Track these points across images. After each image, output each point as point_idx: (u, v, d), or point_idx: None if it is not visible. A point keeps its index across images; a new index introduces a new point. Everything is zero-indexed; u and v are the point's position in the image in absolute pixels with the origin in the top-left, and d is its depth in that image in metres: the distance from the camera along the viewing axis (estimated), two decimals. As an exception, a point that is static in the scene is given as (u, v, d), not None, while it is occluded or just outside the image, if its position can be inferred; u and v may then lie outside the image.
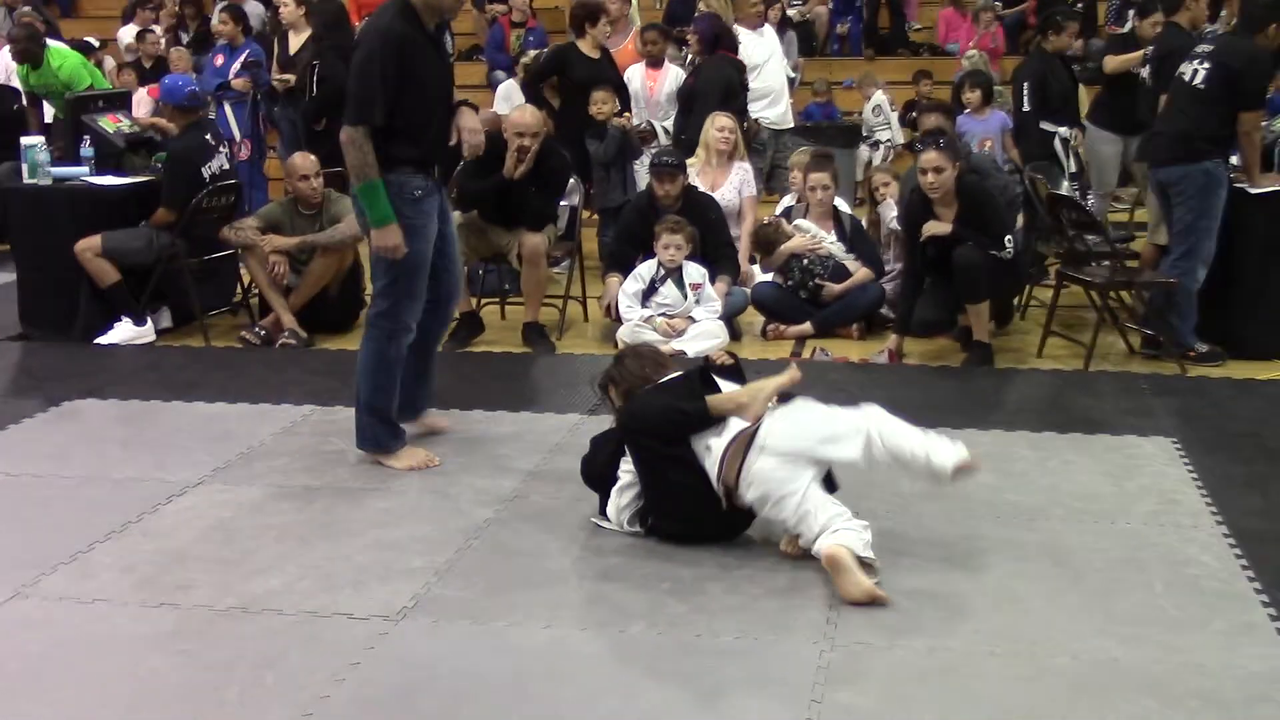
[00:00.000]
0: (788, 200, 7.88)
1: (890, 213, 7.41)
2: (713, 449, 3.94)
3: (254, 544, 4.13)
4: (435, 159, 4.78)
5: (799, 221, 7.37)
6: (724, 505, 3.96)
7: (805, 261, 7.20)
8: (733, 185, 7.85)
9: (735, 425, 3.95)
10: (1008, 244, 6.41)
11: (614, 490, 4.16)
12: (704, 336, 6.64)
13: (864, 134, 11.81)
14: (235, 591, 3.77)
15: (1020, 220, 7.47)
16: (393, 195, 4.63)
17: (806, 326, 7.12)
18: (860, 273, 7.18)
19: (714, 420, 3.96)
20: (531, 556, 4.02)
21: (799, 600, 3.68)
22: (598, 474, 4.26)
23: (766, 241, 7.33)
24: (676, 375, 4.22)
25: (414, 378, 5.08)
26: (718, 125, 7.89)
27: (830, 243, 7.26)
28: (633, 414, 4.11)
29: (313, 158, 7.21)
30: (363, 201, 4.62)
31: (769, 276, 7.34)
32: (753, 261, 7.65)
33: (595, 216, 8.72)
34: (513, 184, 6.86)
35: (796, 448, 3.88)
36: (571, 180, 7.68)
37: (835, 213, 7.40)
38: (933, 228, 6.42)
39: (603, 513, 4.22)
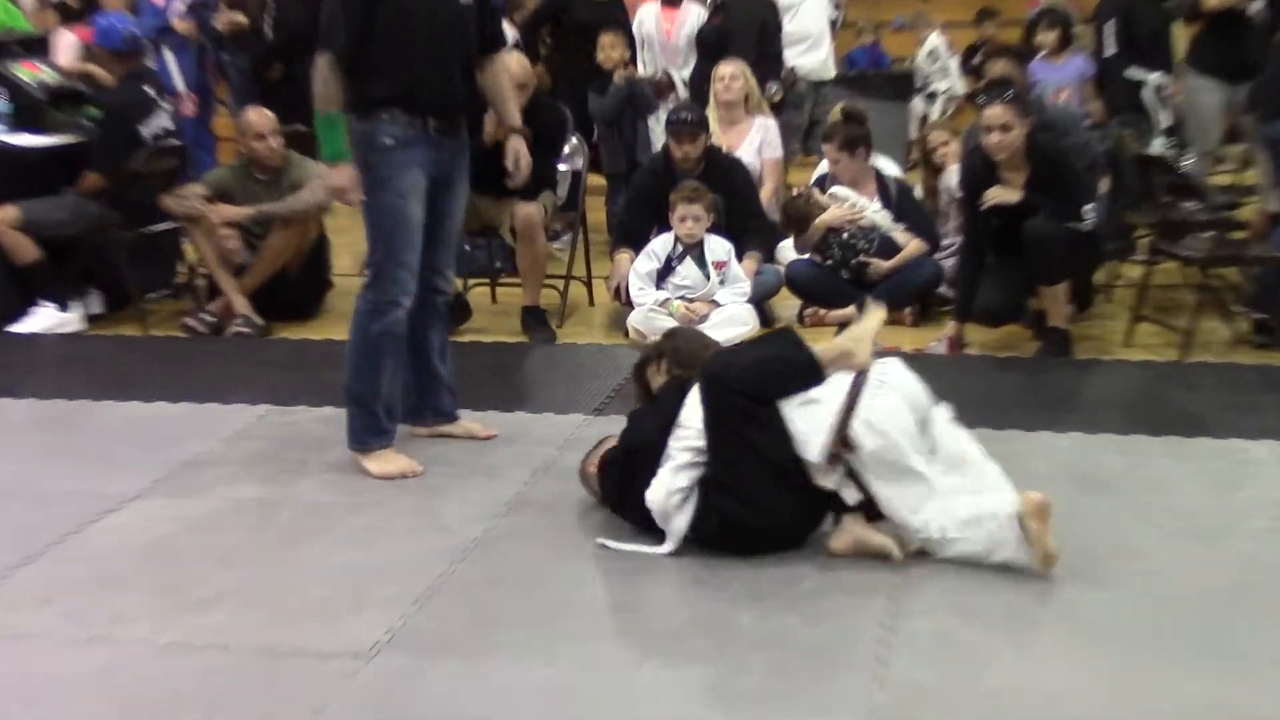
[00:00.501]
0: (825, 166, 7.86)
1: (952, 179, 7.38)
2: (821, 400, 3.99)
3: (201, 569, 4.12)
4: (429, 105, 4.77)
5: (835, 189, 7.32)
6: (808, 480, 4.01)
7: (845, 235, 7.17)
8: (751, 145, 7.82)
9: (843, 376, 4.05)
10: (1087, 214, 6.38)
11: (667, 469, 4.10)
12: (730, 323, 6.61)
13: (918, 84, 11.79)
14: (179, 625, 3.76)
15: (1103, 185, 7.44)
16: (361, 141, 4.72)
17: (851, 310, 7.09)
18: (911, 244, 7.15)
19: (820, 375, 4.04)
20: (528, 583, 4.00)
21: (844, 632, 3.66)
22: (644, 444, 4.19)
23: (798, 216, 7.28)
24: (766, 332, 4.27)
25: (420, 377, 5.15)
26: (718, 75, 7.87)
27: (873, 211, 7.22)
28: (726, 365, 4.10)
29: (269, 114, 7.22)
30: (319, 135, 4.74)
31: (805, 256, 7.32)
32: (782, 235, 7.63)
33: (603, 183, 8.72)
34: (498, 146, 6.83)
35: (915, 390, 4.09)
36: (574, 140, 7.66)
37: (877, 176, 7.37)
38: (998, 194, 6.40)
39: (619, 505, 4.21)
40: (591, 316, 7.41)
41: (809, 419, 3.99)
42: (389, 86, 4.69)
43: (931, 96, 11.74)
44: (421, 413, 5.22)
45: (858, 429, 3.96)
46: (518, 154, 5.14)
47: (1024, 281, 6.59)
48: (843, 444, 3.97)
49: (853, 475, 4.04)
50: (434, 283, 5.04)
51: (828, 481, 4.03)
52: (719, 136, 7.73)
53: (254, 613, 3.82)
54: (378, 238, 4.79)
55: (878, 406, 3.99)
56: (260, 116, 7.19)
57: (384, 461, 4.88)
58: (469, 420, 5.29)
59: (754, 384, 4.02)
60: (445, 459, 5.02)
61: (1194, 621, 3.72)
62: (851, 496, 4.05)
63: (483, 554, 4.22)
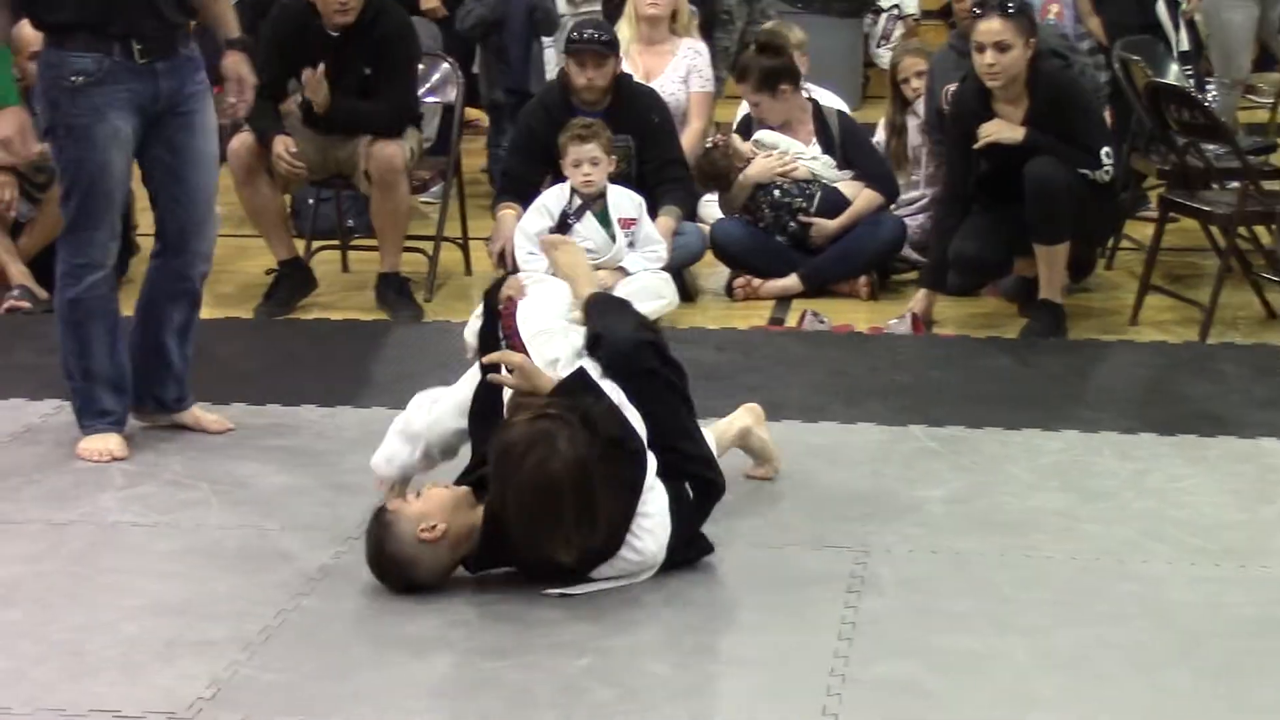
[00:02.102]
0: (748, 106, 7.89)
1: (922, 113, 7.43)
2: None
3: (-30, 608, 4.10)
4: (126, 24, 4.83)
5: (759, 135, 7.34)
6: None
7: (777, 193, 7.21)
8: (675, 74, 7.84)
9: None
10: (1105, 159, 6.43)
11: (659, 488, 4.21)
12: (642, 295, 6.58)
13: (877, -5, 11.79)
14: (-58, 680, 3.74)
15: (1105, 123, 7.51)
16: (45, 76, 4.87)
17: (791, 281, 7.15)
18: (862, 196, 7.20)
19: None
20: (389, 621, 4.01)
21: (783, 680, 3.70)
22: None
23: (716, 173, 7.28)
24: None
25: (143, 356, 5.22)
26: None
27: (810, 159, 7.27)
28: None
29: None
30: None
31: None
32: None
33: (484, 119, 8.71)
34: (345, 75, 6.79)
35: None
36: (446, 66, 7.64)
37: (817, 111, 7.40)
38: (998, 130, 6.41)
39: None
40: (468, 288, 7.39)
41: None
42: (69, 5, 4.80)
43: (878, 12, 11.65)
44: (141, 399, 5.28)
45: None
46: (240, 76, 5.14)
47: (1013, 234, 6.55)
48: None
49: None
50: (180, 243, 5.14)
51: None
52: (633, 60, 7.72)
53: (40, 666, 3.79)
54: (70, 193, 4.96)
55: None
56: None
57: (90, 442, 5.07)
58: (202, 410, 5.38)
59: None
60: (282, 465, 5.02)
61: (1214, 663, 3.79)
62: None
63: (332, 586, 4.21)
